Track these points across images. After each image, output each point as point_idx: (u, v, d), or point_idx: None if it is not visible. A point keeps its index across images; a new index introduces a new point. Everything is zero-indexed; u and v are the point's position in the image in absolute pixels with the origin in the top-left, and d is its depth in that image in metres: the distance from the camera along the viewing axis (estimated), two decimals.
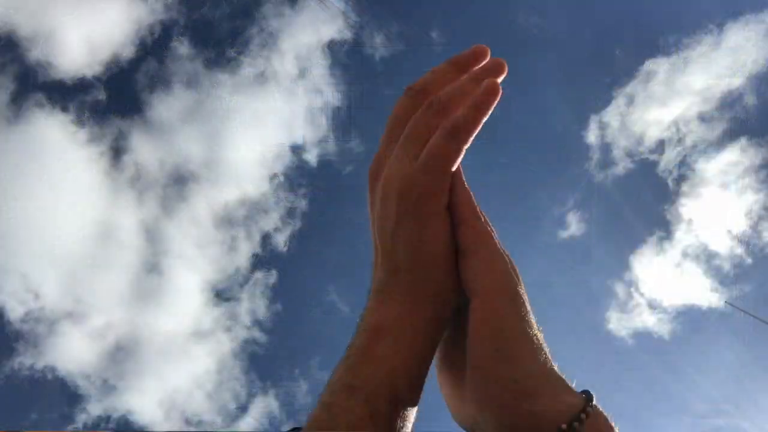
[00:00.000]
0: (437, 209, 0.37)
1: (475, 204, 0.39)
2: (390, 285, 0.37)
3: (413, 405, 0.35)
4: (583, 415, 0.31)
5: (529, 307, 0.36)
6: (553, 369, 0.34)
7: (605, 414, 0.33)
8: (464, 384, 0.35)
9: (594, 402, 0.32)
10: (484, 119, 0.38)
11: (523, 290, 0.37)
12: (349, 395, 0.32)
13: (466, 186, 0.39)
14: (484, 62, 0.42)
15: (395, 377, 0.33)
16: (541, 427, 0.31)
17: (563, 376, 0.34)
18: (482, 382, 0.33)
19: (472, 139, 0.38)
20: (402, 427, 0.33)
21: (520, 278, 0.38)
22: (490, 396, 0.33)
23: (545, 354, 0.34)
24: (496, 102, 0.38)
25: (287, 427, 0.36)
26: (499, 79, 0.40)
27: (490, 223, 0.40)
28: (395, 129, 0.41)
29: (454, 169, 0.38)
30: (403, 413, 0.34)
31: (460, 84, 0.40)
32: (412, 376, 0.34)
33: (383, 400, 0.32)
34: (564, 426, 0.30)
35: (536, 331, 0.35)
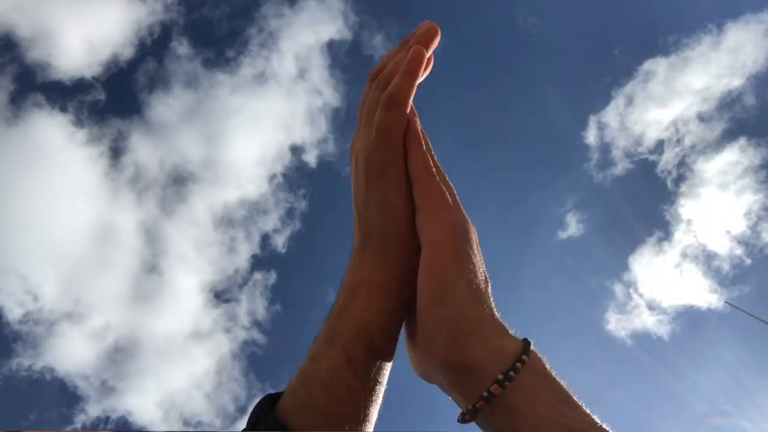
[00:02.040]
0: (396, 174, 0.42)
1: (431, 163, 0.42)
2: (363, 248, 0.42)
3: (388, 353, 0.39)
4: (518, 364, 0.33)
5: (476, 261, 0.39)
6: (493, 316, 0.37)
7: (543, 361, 0.35)
8: (417, 333, 0.38)
9: (532, 348, 0.35)
10: (415, 83, 0.42)
11: (471, 245, 0.40)
12: (329, 345, 0.37)
13: (423, 147, 0.43)
14: (422, 33, 0.45)
15: (369, 328, 0.37)
16: (477, 370, 0.34)
17: (504, 324, 0.37)
18: (425, 325, 0.36)
19: (409, 102, 0.42)
20: (377, 372, 0.37)
21: (472, 234, 0.40)
22: (431, 338, 0.36)
23: (486, 302, 0.37)
24: (422, 65, 0.41)
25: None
26: (434, 43, 0.44)
27: (449, 182, 0.43)
28: (362, 111, 0.45)
29: (401, 131, 0.42)
30: (378, 360, 0.37)
31: (397, 58, 0.44)
32: (384, 327, 0.38)
33: (359, 347, 0.36)
34: (500, 377, 0.33)
35: (479, 282, 0.38)
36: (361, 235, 0.42)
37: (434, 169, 0.42)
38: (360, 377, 0.35)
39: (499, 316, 0.37)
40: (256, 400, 0.36)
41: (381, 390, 0.37)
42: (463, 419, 0.35)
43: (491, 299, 0.38)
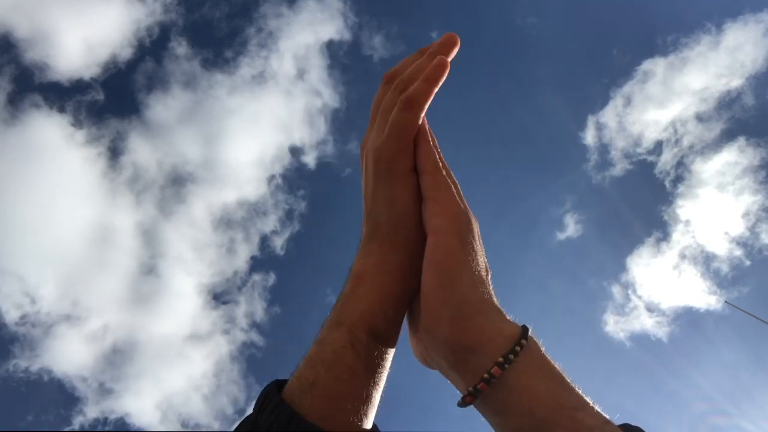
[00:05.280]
0: (404, 170, 0.44)
1: (437, 158, 0.45)
2: (371, 238, 0.44)
3: (391, 338, 0.40)
4: (517, 348, 0.35)
5: (478, 249, 0.41)
6: (493, 301, 0.39)
7: (540, 345, 0.37)
8: (420, 316, 0.40)
9: (530, 333, 0.37)
10: (435, 89, 0.44)
11: (474, 235, 0.42)
12: (334, 329, 0.38)
13: (431, 144, 0.45)
14: (444, 42, 0.46)
15: (373, 313, 0.39)
16: (477, 351, 0.35)
17: (502, 309, 0.39)
18: (429, 307, 0.38)
19: (426, 106, 0.44)
20: (380, 355, 0.39)
21: (474, 225, 0.43)
22: (434, 319, 0.37)
23: (486, 288, 0.39)
24: (444, 74, 0.43)
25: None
26: (453, 53, 0.46)
27: (454, 177, 0.45)
28: (376, 111, 0.47)
29: (414, 133, 0.44)
30: (381, 344, 0.39)
31: (418, 63, 0.46)
32: (388, 313, 0.40)
33: (363, 331, 0.38)
34: (501, 359, 0.34)
35: (480, 269, 0.40)
36: (369, 226, 0.44)
37: (441, 164, 0.44)
38: (363, 359, 0.37)
39: (498, 302, 0.39)
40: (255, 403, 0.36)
41: (384, 373, 0.39)
42: (464, 401, 0.36)
43: (491, 286, 0.40)
